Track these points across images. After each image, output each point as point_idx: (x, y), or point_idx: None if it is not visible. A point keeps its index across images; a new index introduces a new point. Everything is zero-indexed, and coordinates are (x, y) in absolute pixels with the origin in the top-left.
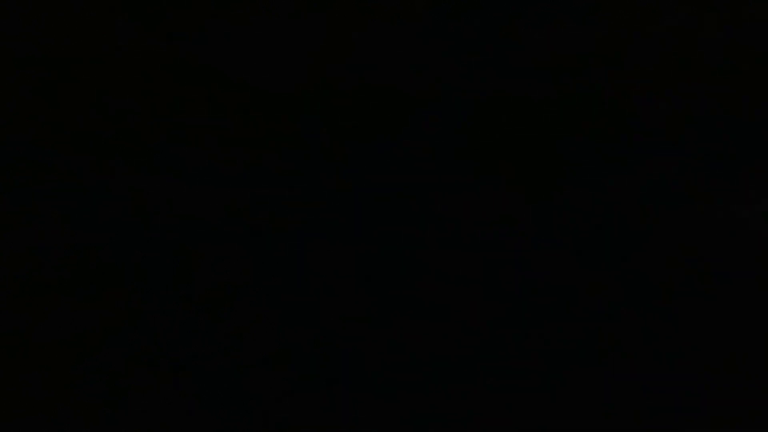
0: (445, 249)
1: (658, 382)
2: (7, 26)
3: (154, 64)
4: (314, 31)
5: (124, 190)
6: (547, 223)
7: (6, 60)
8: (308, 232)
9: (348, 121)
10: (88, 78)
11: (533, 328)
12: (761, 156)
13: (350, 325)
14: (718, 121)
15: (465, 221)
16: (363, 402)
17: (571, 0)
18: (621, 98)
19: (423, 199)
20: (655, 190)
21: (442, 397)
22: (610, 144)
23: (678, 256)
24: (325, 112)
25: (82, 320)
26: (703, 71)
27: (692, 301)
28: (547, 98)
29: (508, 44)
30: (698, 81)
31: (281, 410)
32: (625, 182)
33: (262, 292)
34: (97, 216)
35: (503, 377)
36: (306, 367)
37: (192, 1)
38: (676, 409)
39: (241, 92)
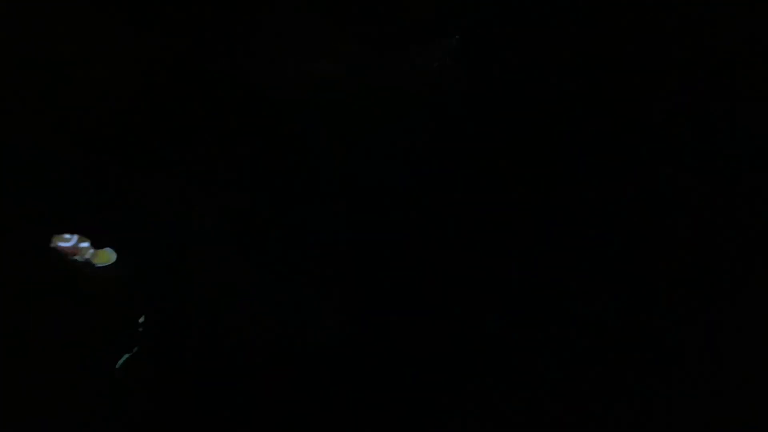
0: (444, 249)
1: (658, 382)
2: (7, 26)
3: (154, 64)
4: (314, 30)
5: (124, 190)
6: (547, 223)
7: (6, 60)
8: (308, 231)
9: (347, 121)
10: (87, 78)
11: (533, 328)
12: (761, 156)
13: (350, 325)
14: (718, 121)
15: (464, 220)
16: (363, 402)
17: (570, 0)
18: (621, 98)
19: (422, 199)
20: (656, 190)
21: (441, 397)
22: (610, 144)
23: (678, 255)
24: (325, 111)
25: (82, 320)
26: (704, 71)
27: (692, 301)
28: (547, 98)
29: (507, 44)
30: (698, 81)
31: (281, 410)
32: (625, 182)
33: (262, 292)
34: (97, 216)
35: (503, 377)
36: (306, 367)
37: (192, 1)
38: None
39: (241, 92)
